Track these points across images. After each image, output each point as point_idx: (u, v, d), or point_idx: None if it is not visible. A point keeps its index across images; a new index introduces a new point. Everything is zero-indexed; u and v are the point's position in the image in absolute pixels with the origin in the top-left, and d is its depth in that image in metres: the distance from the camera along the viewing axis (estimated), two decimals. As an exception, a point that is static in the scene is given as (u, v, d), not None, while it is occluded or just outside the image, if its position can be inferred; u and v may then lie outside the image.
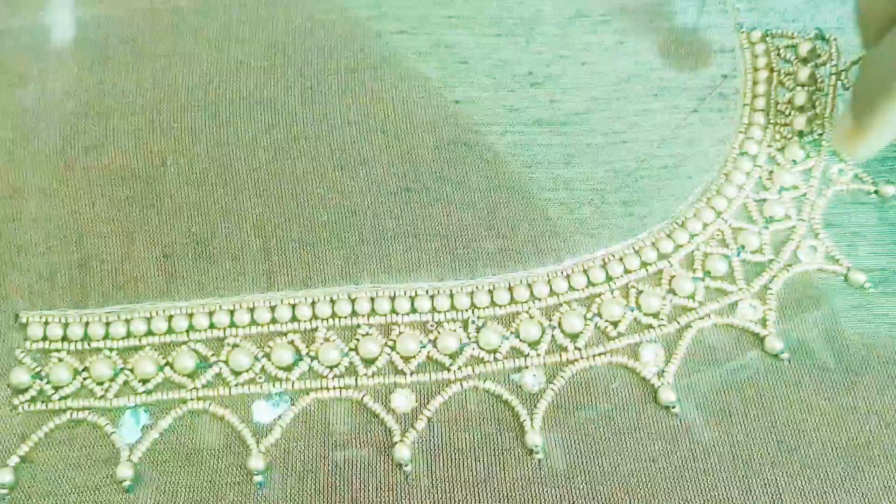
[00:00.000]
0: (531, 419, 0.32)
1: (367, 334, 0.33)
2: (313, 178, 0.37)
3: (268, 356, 0.33)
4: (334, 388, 0.32)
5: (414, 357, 0.33)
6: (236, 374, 0.33)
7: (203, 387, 0.32)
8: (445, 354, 0.33)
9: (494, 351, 0.33)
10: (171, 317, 0.33)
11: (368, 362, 0.33)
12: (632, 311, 0.34)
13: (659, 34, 0.39)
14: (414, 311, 0.34)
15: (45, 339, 0.33)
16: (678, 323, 0.34)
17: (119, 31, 0.40)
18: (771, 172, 0.37)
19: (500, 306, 0.34)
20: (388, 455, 0.31)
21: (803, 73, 0.38)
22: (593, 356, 0.33)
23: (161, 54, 0.39)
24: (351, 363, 0.33)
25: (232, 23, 0.41)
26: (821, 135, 0.37)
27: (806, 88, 0.38)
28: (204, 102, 0.38)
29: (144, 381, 0.33)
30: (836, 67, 0.38)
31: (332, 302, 0.34)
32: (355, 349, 0.33)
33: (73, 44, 0.40)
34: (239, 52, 0.40)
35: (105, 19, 0.41)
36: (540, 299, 0.34)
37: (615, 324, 0.34)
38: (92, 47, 0.40)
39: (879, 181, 0.37)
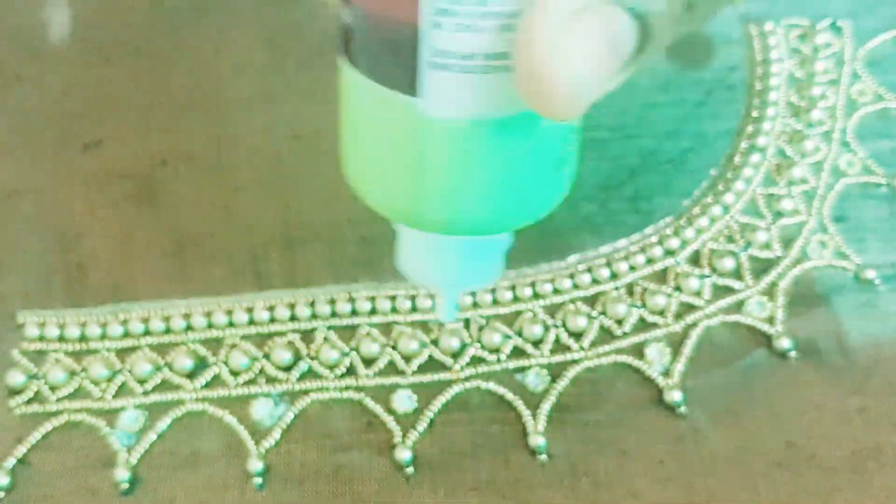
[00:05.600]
0: (534, 420, 0.31)
1: (368, 334, 0.33)
2: (314, 178, 0.36)
3: (267, 356, 0.33)
4: (334, 389, 0.32)
5: (415, 357, 0.33)
6: (235, 374, 0.32)
7: (201, 388, 0.32)
8: (447, 354, 0.33)
9: (497, 350, 0.33)
10: (168, 317, 0.33)
11: (369, 362, 0.33)
12: (637, 309, 0.33)
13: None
14: (415, 310, 0.33)
15: (41, 339, 0.33)
16: (684, 321, 0.33)
17: (117, 30, 0.40)
18: (779, 166, 0.36)
19: (503, 305, 0.33)
20: (388, 456, 0.31)
21: (813, 63, 0.38)
22: (598, 355, 0.32)
23: (159, 52, 0.39)
24: (351, 363, 0.33)
25: (231, 19, 0.40)
26: (832, 126, 0.36)
27: (816, 78, 0.38)
28: (203, 102, 0.38)
29: (142, 382, 0.32)
30: (848, 56, 0.38)
31: (332, 301, 0.33)
32: (356, 349, 0.33)
33: (71, 42, 0.40)
34: (238, 48, 0.40)
35: (103, 17, 0.41)
36: (543, 297, 0.34)
37: (620, 322, 0.33)
38: (90, 46, 0.40)
39: (890, 174, 0.36)
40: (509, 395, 0.32)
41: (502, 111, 0.22)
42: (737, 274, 0.34)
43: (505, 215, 0.25)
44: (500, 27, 0.21)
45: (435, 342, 0.33)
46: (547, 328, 0.33)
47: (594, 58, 0.20)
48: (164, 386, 0.32)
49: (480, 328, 0.33)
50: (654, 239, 0.34)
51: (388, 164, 0.24)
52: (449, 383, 0.32)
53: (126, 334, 0.33)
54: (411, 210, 0.25)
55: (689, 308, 0.33)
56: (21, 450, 0.31)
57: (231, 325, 0.33)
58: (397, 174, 0.24)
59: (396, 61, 0.22)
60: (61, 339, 0.33)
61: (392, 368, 0.33)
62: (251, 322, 0.33)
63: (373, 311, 0.33)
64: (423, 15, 0.21)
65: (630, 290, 0.34)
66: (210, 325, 0.33)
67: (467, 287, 0.30)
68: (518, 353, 0.33)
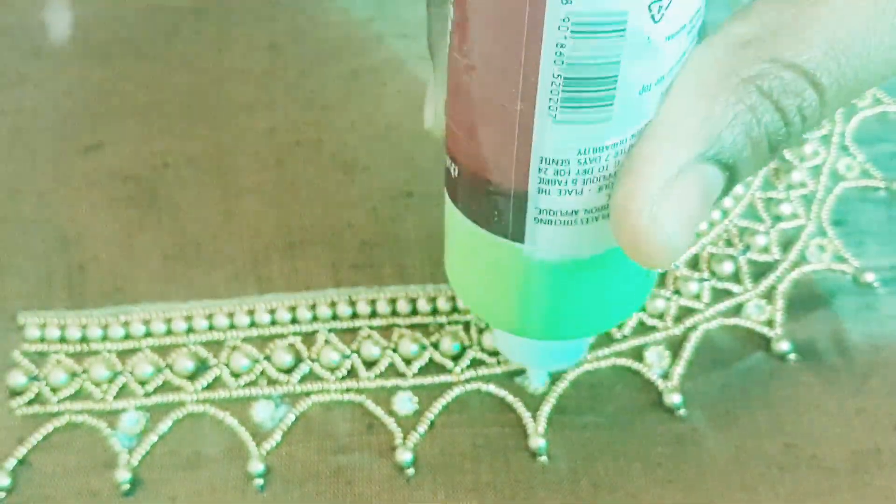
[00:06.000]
0: (534, 422, 0.31)
1: (368, 337, 0.33)
2: (314, 183, 0.37)
3: (268, 359, 0.33)
4: (335, 391, 0.32)
5: (415, 359, 0.33)
6: (236, 376, 0.32)
7: (202, 389, 0.32)
8: (447, 357, 0.33)
9: (497, 353, 0.33)
10: (169, 319, 0.33)
11: (369, 365, 0.33)
12: (636, 312, 0.33)
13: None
14: (415, 313, 0.34)
15: (42, 340, 0.33)
16: (684, 324, 0.33)
17: (118, 31, 0.40)
18: (778, 170, 0.36)
19: (503, 308, 0.34)
20: (389, 458, 0.31)
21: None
22: (597, 358, 0.33)
23: (160, 55, 0.40)
24: (352, 366, 0.33)
25: (232, 24, 0.41)
26: (831, 129, 0.37)
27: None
28: (204, 105, 0.38)
29: (143, 384, 0.32)
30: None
31: (333, 304, 0.34)
32: (356, 352, 0.33)
33: (73, 44, 0.40)
34: (239, 53, 0.40)
35: (104, 19, 0.41)
36: (543, 301, 0.34)
37: (620, 326, 0.33)
38: (90, 47, 0.40)
39: (889, 177, 0.36)
40: (509, 398, 0.32)
41: (599, 249, 0.24)
42: (736, 277, 0.34)
43: (596, 324, 0.28)
44: (599, 188, 0.23)
45: (435, 345, 0.33)
46: (547, 331, 0.33)
47: (691, 217, 0.22)
48: (166, 388, 0.32)
49: (480, 331, 0.33)
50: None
51: (488, 286, 0.27)
52: (449, 386, 0.32)
53: (127, 336, 0.33)
54: (510, 323, 0.28)
55: (689, 311, 0.33)
56: (22, 450, 0.31)
57: (232, 327, 0.33)
58: (497, 295, 0.27)
59: (500, 214, 0.24)
60: (62, 340, 0.33)
61: (393, 371, 0.33)
62: (252, 324, 0.33)
63: (373, 314, 0.34)
64: (531, 183, 0.23)
65: (629, 293, 0.34)
66: (211, 328, 0.33)
67: (555, 368, 0.32)
68: (518, 355, 0.33)
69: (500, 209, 0.24)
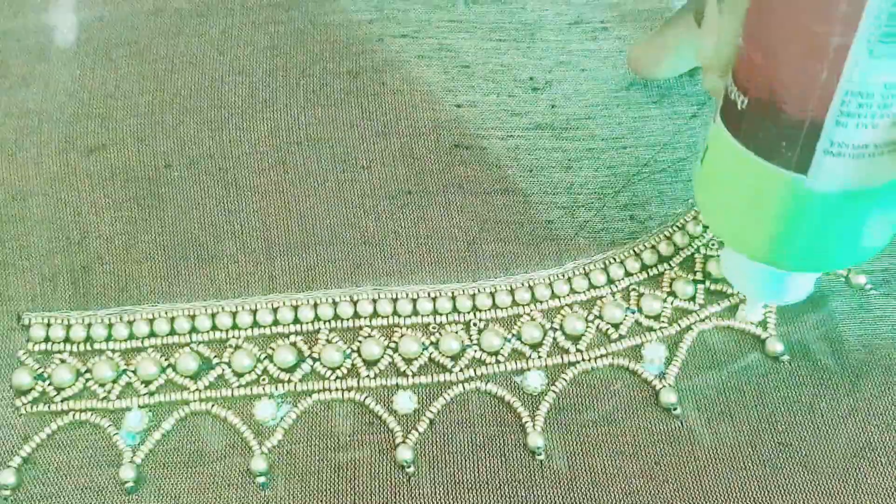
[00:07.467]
0: (533, 420, 0.32)
1: (370, 336, 0.33)
2: (316, 181, 0.37)
3: (270, 358, 0.33)
4: (336, 390, 0.32)
5: (416, 359, 0.33)
6: (238, 375, 0.33)
7: (205, 388, 0.32)
8: (447, 356, 0.33)
9: (496, 353, 0.33)
10: (173, 318, 0.33)
11: (370, 364, 0.33)
12: (633, 313, 0.34)
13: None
14: (416, 313, 0.34)
15: (47, 340, 0.33)
16: (679, 325, 0.34)
17: (121, 33, 0.40)
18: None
19: (502, 308, 0.34)
20: (390, 456, 0.31)
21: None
22: (594, 358, 0.33)
23: (163, 56, 0.40)
24: (353, 365, 0.33)
25: (233, 25, 0.41)
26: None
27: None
28: (206, 105, 0.38)
29: (147, 383, 0.33)
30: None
31: (335, 304, 0.34)
32: (357, 351, 0.33)
33: (76, 45, 0.40)
34: (241, 54, 0.40)
35: (107, 21, 0.41)
36: (541, 302, 0.34)
37: (616, 326, 0.34)
38: (94, 49, 0.40)
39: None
40: (508, 397, 0.32)
41: (876, 183, 0.25)
42: (730, 279, 0.35)
43: (848, 259, 0.28)
44: (893, 123, 0.23)
45: (435, 344, 0.33)
46: (545, 331, 0.34)
47: None
48: (169, 387, 0.33)
49: (480, 331, 0.33)
50: (648, 245, 0.35)
51: (750, 215, 0.27)
52: (449, 385, 0.33)
53: (131, 336, 0.33)
54: (764, 252, 0.28)
55: (684, 312, 0.34)
56: (27, 449, 0.31)
57: (235, 326, 0.34)
58: (758, 223, 0.27)
59: (787, 146, 0.24)
60: (67, 340, 0.33)
61: (393, 370, 0.33)
62: (255, 324, 0.34)
63: (374, 314, 0.34)
64: (830, 115, 0.23)
65: (626, 294, 0.34)
66: (214, 327, 0.34)
67: (779, 302, 0.33)
68: (517, 355, 0.33)
69: (790, 140, 0.24)
